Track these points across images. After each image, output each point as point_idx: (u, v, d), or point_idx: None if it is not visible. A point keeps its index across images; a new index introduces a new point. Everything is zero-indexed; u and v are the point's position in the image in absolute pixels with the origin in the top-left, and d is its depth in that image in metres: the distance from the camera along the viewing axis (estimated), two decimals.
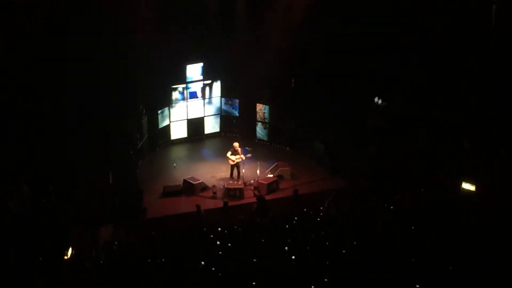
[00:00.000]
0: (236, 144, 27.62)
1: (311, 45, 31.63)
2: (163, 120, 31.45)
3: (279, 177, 28.04)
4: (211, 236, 20.88)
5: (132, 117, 29.42)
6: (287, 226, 21.47)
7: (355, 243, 19.17)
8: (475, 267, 17.05)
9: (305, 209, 23.66)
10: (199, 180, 27.34)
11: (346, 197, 24.12)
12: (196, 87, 32.13)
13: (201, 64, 31.73)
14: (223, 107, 33.13)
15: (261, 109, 32.09)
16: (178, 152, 31.59)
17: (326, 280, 16.95)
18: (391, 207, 22.55)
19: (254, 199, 25.72)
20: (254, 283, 16.93)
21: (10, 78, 26.98)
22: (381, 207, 22.65)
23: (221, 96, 32.94)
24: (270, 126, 32.14)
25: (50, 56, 27.76)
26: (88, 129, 28.01)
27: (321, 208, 23.60)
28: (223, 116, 33.30)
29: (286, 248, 19.09)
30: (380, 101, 30.79)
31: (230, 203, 26.05)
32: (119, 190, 25.66)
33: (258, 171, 27.64)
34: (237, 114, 33.10)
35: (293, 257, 18.04)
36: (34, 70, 27.42)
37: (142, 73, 29.91)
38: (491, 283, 16.41)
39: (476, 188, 23.01)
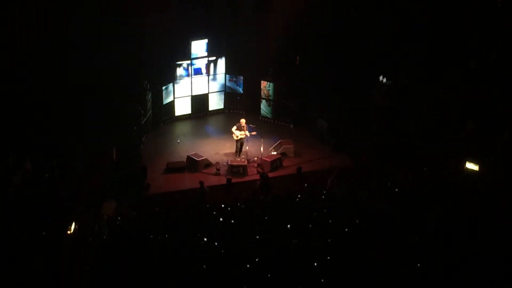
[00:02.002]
0: (243, 121, 27.59)
1: (316, 23, 31.60)
2: (167, 96, 31.39)
3: (283, 154, 28.05)
4: (214, 212, 20.93)
5: (136, 92, 29.39)
6: (289, 203, 21.49)
7: (357, 221, 19.22)
8: (478, 247, 17.09)
9: (308, 187, 23.62)
10: (203, 157, 27.36)
11: (349, 176, 24.16)
12: (201, 64, 32.04)
13: (206, 40, 31.63)
14: (227, 84, 33.05)
15: (266, 86, 32.01)
16: (182, 129, 31.54)
17: (328, 258, 17.02)
18: (394, 186, 22.55)
19: (257, 176, 25.85)
20: (256, 260, 17.00)
21: (13, 55, 27.03)
22: (384, 186, 22.65)
23: (226, 73, 32.85)
24: (274, 103, 32.08)
25: (53, 33, 27.80)
26: (91, 104, 28.02)
27: (326, 187, 23.68)
28: (228, 93, 33.25)
29: (289, 225, 19.14)
30: (384, 80, 30.74)
31: (234, 180, 26.08)
32: (123, 166, 25.70)
33: (261, 149, 27.66)
34: (242, 91, 33.04)
35: (294, 241, 18.08)
36: (38, 50, 27.50)
37: (146, 49, 29.90)
38: (493, 262, 16.47)
39: (479, 168, 23.04)
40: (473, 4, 29.43)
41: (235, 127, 27.55)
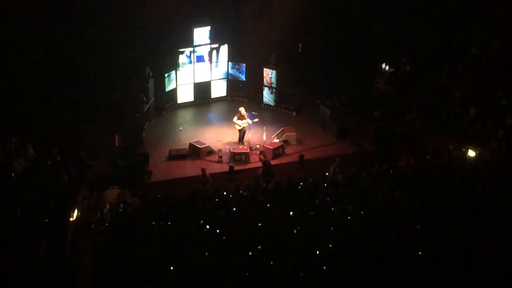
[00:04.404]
0: (242, 109, 27.58)
1: (319, 10, 31.57)
2: (169, 83, 31.34)
3: (285, 142, 28.05)
4: (216, 200, 20.94)
5: (139, 79, 29.36)
6: (292, 191, 21.49)
7: (359, 209, 19.21)
8: (480, 234, 17.09)
9: (310, 175, 23.59)
10: (205, 144, 27.36)
11: (351, 163, 24.15)
12: (203, 51, 31.98)
13: (209, 27, 31.53)
14: (230, 71, 32.99)
15: (268, 74, 31.93)
16: (185, 116, 31.52)
17: (330, 246, 17.03)
18: (396, 173, 22.55)
19: (259, 164, 25.81)
20: (258, 247, 17.03)
21: (17, 41, 27.08)
22: (386, 173, 22.65)
23: (228, 60, 32.78)
24: (276, 91, 32.02)
25: (55, 20, 27.86)
26: (94, 91, 28.04)
27: (327, 174, 23.71)
28: (230, 80, 33.20)
29: (291, 213, 19.15)
30: (387, 67, 30.72)
31: (236, 168, 26.15)
32: (125, 153, 25.71)
33: (264, 136, 27.65)
34: (244, 79, 32.99)
35: (296, 228, 18.10)
36: (40, 36, 27.56)
37: (149, 36, 29.87)
38: (496, 249, 16.47)
39: (481, 154, 23.05)
40: None
41: (236, 117, 27.50)
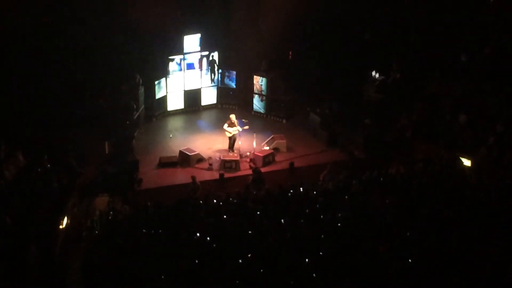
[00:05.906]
0: (232, 116, 27.55)
1: (309, 18, 31.62)
2: (160, 90, 31.33)
3: (275, 149, 28.02)
4: (206, 207, 20.89)
5: (129, 87, 29.32)
6: (282, 198, 21.45)
7: (349, 216, 19.19)
8: (470, 241, 17.10)
9: (300, 182, 23.58)
10: (195, 152, 27.31)
11: (341, 170, 24.15)
12: (194, 59, 31.96)
13: (199, 35, 31.54)
14: (220, 78, 32.99)
15: (258, 81, 31.95)
16: (175, 123, 31.51)
17: (320, 253, 17.01)
18: (386, 180, 22.55)
19: (250, 171, 25.79)
20: (248, 255, 16.98)
21: (4, 49, 26.99)
22: (376, 180, 22.65)
23: (219, 68, 32.77)
24: (267, 98, 32.03)
25: (45, 27, 27.82)
26: (84, 99, 27.95)
27: (318, 182, 23.69)
28: (220, 87, 33.18)
29: (282, 220, 19.12)
30: (377, 75, 30.78)
31: (226, 175, 26.10)
32: (115, 160, 25.66)
33: (254, 144, 27.64)
34: (234, 86, 32.99)
35: (286, 236, 18.07)
36: (29, 38, 27.46)
37: (139, 43, 29.84)
38: (486, 256, 16.48)
39: (471, 162, 23.08)
40: None
41: (226, 125, 27.47)
